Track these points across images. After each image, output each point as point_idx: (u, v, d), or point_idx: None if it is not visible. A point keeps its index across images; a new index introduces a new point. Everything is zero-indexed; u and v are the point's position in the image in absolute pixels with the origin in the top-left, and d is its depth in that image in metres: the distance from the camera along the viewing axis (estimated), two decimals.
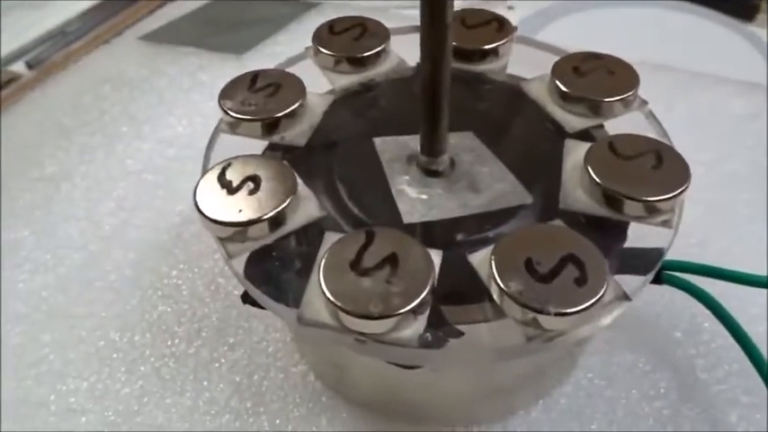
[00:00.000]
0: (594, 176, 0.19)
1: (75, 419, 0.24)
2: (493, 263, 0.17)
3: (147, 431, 0.23)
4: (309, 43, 0.26)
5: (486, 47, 0.25)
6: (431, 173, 0.21)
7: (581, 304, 0.16)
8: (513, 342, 0.17)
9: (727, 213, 0.29)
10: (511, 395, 0.23)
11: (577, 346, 0.23)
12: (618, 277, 0.17)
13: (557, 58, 0.24)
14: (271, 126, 0.22)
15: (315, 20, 0.26)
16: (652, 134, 0.21)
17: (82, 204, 0.32)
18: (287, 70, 0.24)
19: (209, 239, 0.27)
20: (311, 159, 0.22)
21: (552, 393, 0.23)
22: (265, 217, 0.19)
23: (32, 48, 0.43)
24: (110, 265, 0.29)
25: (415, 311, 0.16)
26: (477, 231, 0.20)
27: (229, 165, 0.20)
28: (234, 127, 0.23)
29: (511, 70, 0.25)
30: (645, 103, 0.23)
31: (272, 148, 0.23)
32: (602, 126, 0.23)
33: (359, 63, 0.25)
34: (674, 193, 0.18)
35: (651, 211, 0.19)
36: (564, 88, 0.23)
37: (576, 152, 0.21)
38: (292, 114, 0.23)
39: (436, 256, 0.17)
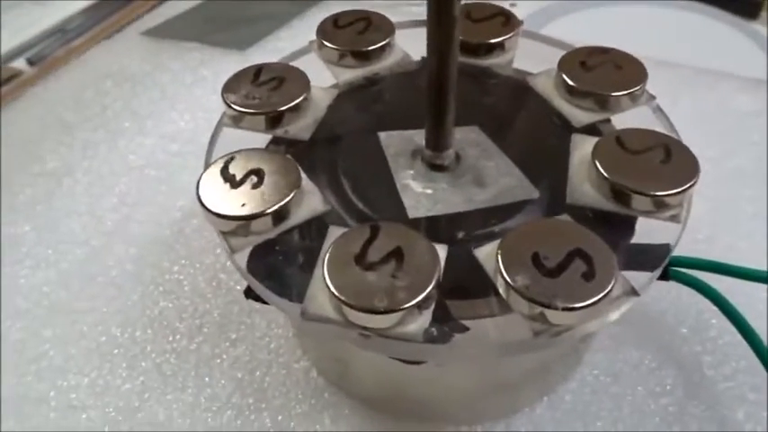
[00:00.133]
0: (602, 171, 0.19)
1: (76, 416, 0.24)
2: (499, 257, 0.16)
3: (148, 428, 0.23)
4: (313, 39, 0.25)
5: (493, 41, 0.25)
6: (436, 167, 0.21)
7: (589, 299, 0.15)
8: (519, 337, 0.16)
9: (732, 209, 0.29)
10: (515, 392, 0.22)
11: (583, 343, 0.23)
12: (624, 273, 0.17)
13: (563, 53, 0.24)
14: (274, 120, 0.22)
15: (318, 16, 0.26)
16: (660, 129, 0.21)
17: (84, 200, 0.32)
18: (291, 64, 0.24)
19: (211, 235, 0.27)
20: (315, 153, 0.22)
21: (557, 390, 0.23)
22: (269, 211, 0.18)
23: (33, 45, 0.43)
24: (111, 260, 0.29)
25: (420, 306, 0.16)
26: (482, 226, 0.19)
27: (232, 158, 0.20)
28: (237, 121, 0.22)
29: (517, 65, 0.25)
30: (652, 97, 0.23)
31: (275, 142, 0.22)
32: (609, 120, 0.22)
33: (363, 57, 0.25)
34: (682, 188, 0.18)
35: (659, 205, 0.18)
36: (571, 82, 0.22)
37: (583, 146, 0.21)
38: (296, 108, 0.22)
39: (441, 251, 0.17)
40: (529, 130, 0.23)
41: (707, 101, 0.34)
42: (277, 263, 0.19)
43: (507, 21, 0.25)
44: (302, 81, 0.23)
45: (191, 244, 0.29)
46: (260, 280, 0.18)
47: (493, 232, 0.19)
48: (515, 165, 0.21)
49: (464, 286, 0.18)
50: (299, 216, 0.19)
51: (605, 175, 0.19)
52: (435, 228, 0.20)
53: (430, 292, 0.16)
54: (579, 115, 0.22)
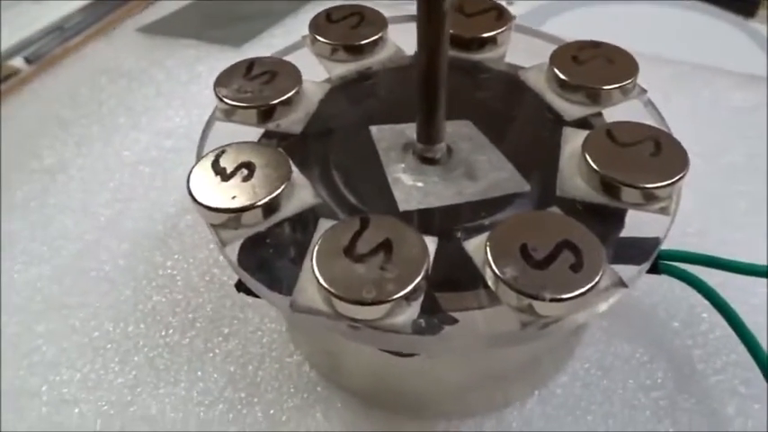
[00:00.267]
0: (592, 163, 0.19)
1: (69, 410, 0.24)
2: (488, 249, 0.16)
3: (141, 422, 0.23)
4: (306, 34, 0.25)
5: (485, 35, 0.25)
6: (427, 161, 0.21)
7: (576, 290, 0.15)
8: (507, 328, 0.16)
9: (725, 204, 0.29)
10: (506, 385, 0.22)
11: (573, 335, 0.23)
12: (614, 267, 0.17)
13: (555, 47, 0.24)
14: (266, 113, 0.22)
15: (312, 13, 0.26)
16: (651, 122, 0.21)
17: (78, 196, 0.32)
18: (283, 59, 0.24)
19: (203, 230, 0.27)
20: (307, 147, 0.22)
21: (548, 384, 0.23)
22: (259, 203, 0.18)
23: (31, 43, 0.43)
24: (105, 255, 0.29)
25: (408, 298, 0.16)
26: (473, 219, 0.19)
27: (224, 152, 0.20)
28: (229, 114, 0.22)
29: (509, 59, 0.25)
30: (644, 91, 0.23)
31: (267, 135, 0.23)
32: (600, 114, 0.22)
33: (356, 51, 0.25)
34: (671, 180, 0.18)
35: (649, 198, 0.18)
36: (562, 76, 0.22)
37: (573, 140, 0.21)
38: (288, 102, 0.22)
39: (431, 244, 0.17)
40: (521, 123, 0.23)
41: (702, 96, 0.34)
42: (267, 255, 0.19)
43: (500, 15, 0.25)
44: (294, 75, 0.23)
45: (184, 239, 0.29)
46: (250, 273, 0.18)
47: (483, 225, 0.19)
48: (507, 158, 0.21)
49: (453, 278, 0.18)
50: (289, 209, 0.19)
51: (595, 167, 0.19)
52: (426, 220, 0.20)
53: (418, 283, 0.16)
54: (571, 109, 0.22)
